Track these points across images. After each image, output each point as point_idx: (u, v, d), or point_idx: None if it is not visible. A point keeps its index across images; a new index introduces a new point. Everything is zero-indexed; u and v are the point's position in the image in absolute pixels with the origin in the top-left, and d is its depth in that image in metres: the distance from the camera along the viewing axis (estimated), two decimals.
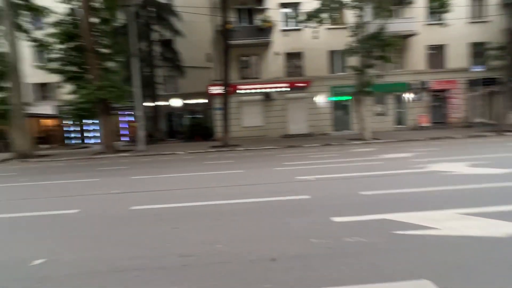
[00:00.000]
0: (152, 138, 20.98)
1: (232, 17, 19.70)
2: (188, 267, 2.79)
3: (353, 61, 16.70)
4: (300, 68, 21.02)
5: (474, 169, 6.68)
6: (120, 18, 17.82)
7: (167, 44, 23.36)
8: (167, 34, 22.66)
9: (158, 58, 23.16)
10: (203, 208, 4.71)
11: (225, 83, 16.12)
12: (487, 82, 20.04)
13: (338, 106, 21.22)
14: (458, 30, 20.17)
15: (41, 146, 21.00)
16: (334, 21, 16.86)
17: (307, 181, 6.35)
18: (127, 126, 24.07)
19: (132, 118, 22.13)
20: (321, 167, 8.18)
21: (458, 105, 20.89)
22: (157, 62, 23.08)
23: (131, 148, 17.06)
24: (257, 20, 19.95)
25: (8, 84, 14.75)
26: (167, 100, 24.17)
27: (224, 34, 16.08)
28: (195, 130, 22.18)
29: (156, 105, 22.76)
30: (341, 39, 17.14)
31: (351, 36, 15.58)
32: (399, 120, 21.19)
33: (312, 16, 15.49)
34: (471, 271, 2.55)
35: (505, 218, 3.63)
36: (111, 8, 15.83)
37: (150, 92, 21.86)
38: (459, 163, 7.45)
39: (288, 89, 20.60)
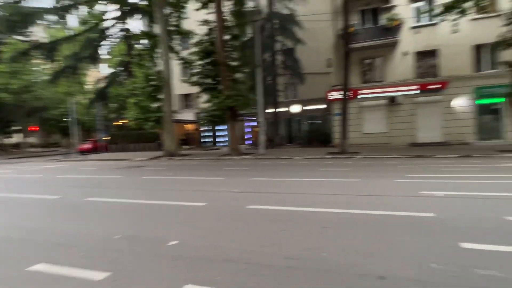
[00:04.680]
0: (272, 143, 22.21)
1: (355, 19, 19.02)
2: (292, 269, 2.87)
3: (508, 55, 13.63)
4: (434, 68, 18.51)
5: None
6: (248, 32, 19.64)
7: (288, 53, 24.32)
8: (289, 43, 23.61)
9: (280, 66, 24.36)
10: (312, 215, 4.73)
11: (345, 88, 15.66)
12: None
13: (485, 111, 17.66)
14: None
15: (183, 146, 25.12)
16: (481, 9, 14.18)
17: (433, 197, 5.55)
18: (251, 131, 26.21)
19: (255, 124, 23.96)
20: (454, 182, 7.00)
21: None
22: (279, 70, 24.30)
23: (252, 152, 18.49)
24: (383, 19, 18.65)
25: (162, 96, 18.24)
26: (287, 106, 25.13)
27: (345, 38, 15.69)
28: (313, 136, 22.32)
29: (276, 111, 23.96)
30: (491, 29, 14.38)
31: (506, 25, 12.77)
32: None
33: (451, 7, 13.43)
34: None
35: None
36: (241, 25, 17.66)
37: (271, 99, 23.20)
38: None
39: (418, 91, 18.41)
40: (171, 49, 19.10)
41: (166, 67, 18.03)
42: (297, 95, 25.54)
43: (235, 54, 18.39)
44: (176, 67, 23.31)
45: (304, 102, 24.79)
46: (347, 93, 15.77)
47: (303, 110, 25.08)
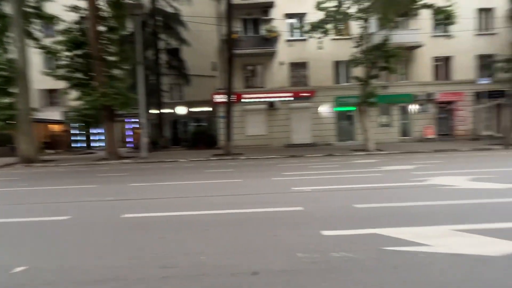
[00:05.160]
0: (156, 145, 21.10)
1: (238, 27, 19.91)
2: (168, 279, 2.73)
3: (358, 71, 16.68)
4: (305, 78, 21.06)
5: (475, 184, 6.52)
6: (128, 26, 18.12)
7: (173, 53, 23.66)
8: (174, 43, 22.96)
9: (164, 66, 23.45)
10: (194, 218, 4.66)
11: (229, 92, 16.21)
12: (494, 94, 19.81)
13: (343, 117, 21.14)
14: (465, 42, 20.05)
15: (47, 151, 21.24)
16: (339, 32, 16.93)
17: (302, 192, 6.26)
18: (132, 133, 24.29)
19: (137, 125, 22.31)
20: (320, 178, 8.09)
21: (465, 117, 20.63)
22: (163, 70, 23.36)
23: (134, 155, 17.15)
24: (263, 30, 20.14)
25: (15, 90, 15.01)
26: (172, 107, 24.38)
27: (228, 43, 16.24)
28: (199, 138, 22.26)
29: (161, 113, 22.93)
30: (346, 49, 17.18)
31: (356, 47, 15.59)
32: (404, 132, 20.98)
33: (317, 26, 15.58)
34: None
35: (501, 235, 3.51)
36: (119, 17, 16.13)
37: (155, 99, 22.07)
38: (460, 177, 7.29)
39: (292, 98, 20.61)
40: (29, 34, 15.90)
41: (21, 55, 14.92)
42: (183, 96, 25.09)
43: (112, 48, 16.67)
44: (36, 56, 19.56)
45: (190, 104, 24.53)
46: (231, 96, 16.35)
47: (189, 112, 24.79)
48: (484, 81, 18.14)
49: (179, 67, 23.65)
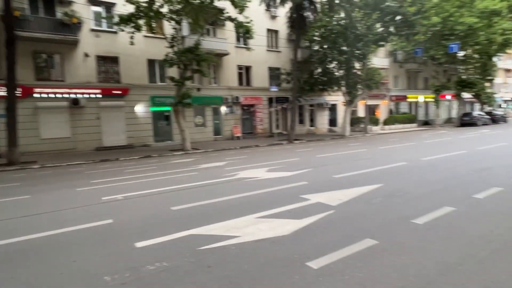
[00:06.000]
0: None
1: (23, 3, 15.87)
2: None
3: (173, 72, 16.78)
4: (117, 74, 19.24)
5: (271, 174, 7.82)
6: None
7: None
8: None
9: None
10: None
11: (10, 84, 12.63)
12: (281, 100, 24.78)
13: (160, 117, 20.78)
14: (260, 55, 23.94)
15: None
16: (152, 29, 16.41)
17: (114, 202, 5.61)
18: None
19: None
20: (135, 183, 7.54)
21: (262, 118, 24.75)
22: None
23: None
24: (60, 13, 16.89)
25: None
26: None
27: (6, 21, 12.62)
28: None
29: None
30: (161, 48, 16.91)
31: (169, 47, 15.60)
32: (217, 131, 22.92)
33: (126, 20, 14.49)
34: (258, 273, 2.74)
35: (290, 216, 4.29)
36: None
37: None
38: (260, 169, 8.58)
39: (101, 96, 18.40)
40: None
41: None
42: None
43: None
44: None
45: None
46: (15, 90, 12.82)
47: None
48: (274, 88, 22.28)
49: None
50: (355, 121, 27.08)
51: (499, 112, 35.32)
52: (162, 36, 16.81)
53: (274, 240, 3.48)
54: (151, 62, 20.10)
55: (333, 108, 27.75)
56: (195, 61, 15.47)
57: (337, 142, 18.01)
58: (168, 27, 16.43)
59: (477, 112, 32.08)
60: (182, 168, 9.85)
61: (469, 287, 2.41)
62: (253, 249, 3.27)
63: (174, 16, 15.40)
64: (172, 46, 15.54)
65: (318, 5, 21.99)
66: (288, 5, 21.50)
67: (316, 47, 22.63)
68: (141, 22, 15.06)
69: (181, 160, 12.33)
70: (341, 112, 25.55)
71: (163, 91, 19.62)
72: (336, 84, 22.52)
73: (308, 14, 21.46)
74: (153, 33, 16.64)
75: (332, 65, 22.07)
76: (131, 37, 15.12)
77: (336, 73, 22.41)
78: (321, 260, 2.93)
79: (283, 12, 23.03)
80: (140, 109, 19.70)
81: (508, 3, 25.28)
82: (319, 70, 23.02)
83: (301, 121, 26.83)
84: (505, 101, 47.57)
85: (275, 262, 2.96)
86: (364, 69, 22.52)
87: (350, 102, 22.81)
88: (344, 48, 21.10)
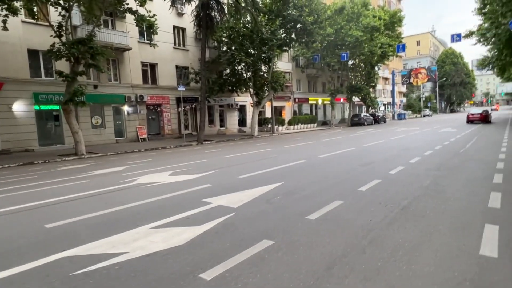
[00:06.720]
0: None
1: None
2: None
3: (62, 66, 14.60)
4: None
5: (174, 177, 7.40)
6: None
7: None
8: None
9: None
10: None
11: None
12: (190, 100, 24.12)
13: (47, 117, 17.90)
14: (167, 53, 22.84)
15: None
16: (33, 14, 13.95)
17: None
18: None
19: None
20: (5, 197, 6.21)
21: (170, 118, 23.66)
22: None
23: None
24: None
25: None
26: None
27: None
28: None
29: None
30: (46, 38, 14.55)
31: (55, 36, 13.54)
32: (119, 133, 20.97)
33: None
34: None
35: (187, 223, 4.03)
36: None
37: None
38: (163, 173, 8.06)
39: None
40: None
41: None
42: None
43: None
44: None
45: None
46: None
47: None
48: (182, 88, 21.49)
49: None
50: (263, 121, 28.26)
51: (380, 113, 41.49)
52: (47, 24, 14.44)
53: (167, 252, 3.18)
54: (33, 53, 17.14)
55: (242, 109, 28.41)
56: (88, 54, 13.75)
57: (246, 142, 18.42)
58: (55, 14, 14.25)
59: (364, 113, 37.01)
60: (71, 175, 8.58)
61: (351, 279, 2.56)
62: (142, 266, 2.91)
63: (61, 2, 13.44)
64: (59, 36, 13.52)
65: (225, 7, 22.10)
66: (195, 3, 21.05)
67: (224, 48, 22.78)
68: (17, 4, 12.71)
69: (71, 167, 10.78)
70: (251, 113, 26.31)
71: (50, 87, 17.04)
72: (244, 85, 23.07)
73: (215, 14, 21.36)
74: (35, 19, 14.18)
75: (240, 66, 22.51)
76: (3, 21, 12.63)
77: (244, 75, 22.95)
78: (215, 270, 2.77)
79: (190, 9, 22.43)
80: (19, 107, 16.62)
81: (384, 21, 30.09)
82: (228, 71, 23.24)
83: (211, 122, 26.62)
84: (384, 104, 56.46)
85: (165, 278, 2.67)
86: (270, 72, 23.60)
87: (258, 103, 23.64)
88: (251, 50, 21.76)
